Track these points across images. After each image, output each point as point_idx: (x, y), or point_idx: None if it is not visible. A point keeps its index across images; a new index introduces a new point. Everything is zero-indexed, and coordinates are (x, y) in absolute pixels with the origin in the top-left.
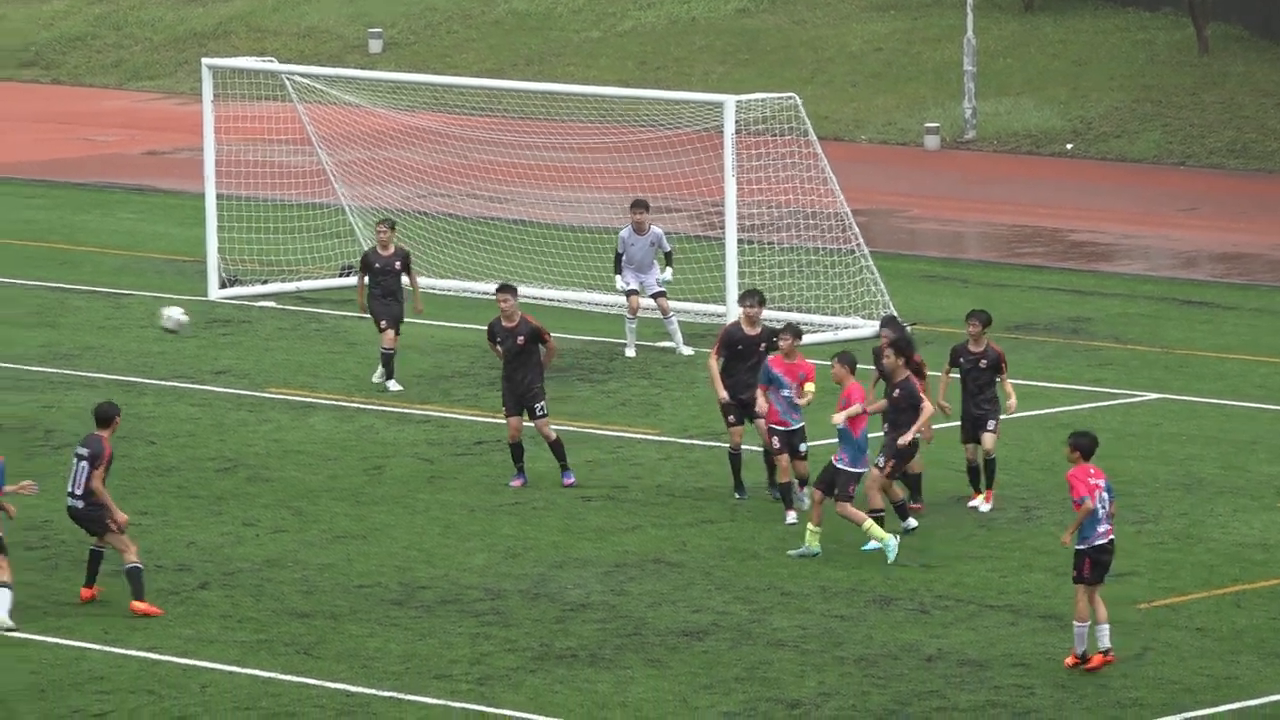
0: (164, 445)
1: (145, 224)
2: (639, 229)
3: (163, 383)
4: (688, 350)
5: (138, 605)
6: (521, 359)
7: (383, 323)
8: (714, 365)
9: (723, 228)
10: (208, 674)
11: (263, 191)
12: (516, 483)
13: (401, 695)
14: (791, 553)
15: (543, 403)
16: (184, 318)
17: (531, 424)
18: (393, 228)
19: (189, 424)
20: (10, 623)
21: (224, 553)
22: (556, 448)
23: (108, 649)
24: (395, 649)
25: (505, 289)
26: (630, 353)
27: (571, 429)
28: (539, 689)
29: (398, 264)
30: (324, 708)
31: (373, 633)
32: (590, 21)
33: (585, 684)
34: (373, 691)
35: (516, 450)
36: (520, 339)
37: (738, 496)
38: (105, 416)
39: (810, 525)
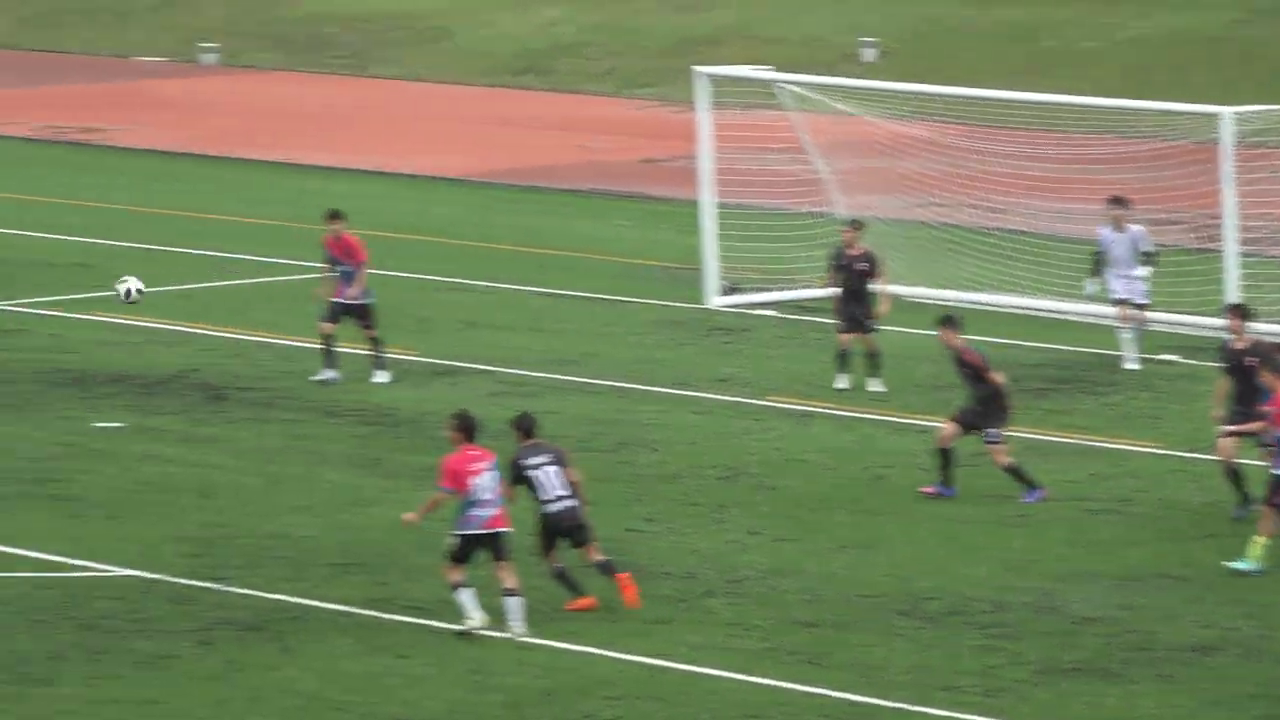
0: (666, 453)
1: (642, 231)
2: (1118, 226)
3: (664, 390)
4: (1134, 366)
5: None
6: (974, 387)
7: (841, 323)
8: (1219, 382)
9: (1221, 241)
10: (714, 681)
11: (759, 200)
12: (929, 489)
13: (908, 706)
14: (1230, 564)
15: (994, 430)
16: (139, 284)
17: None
18: (859, 228)
19: (690, 431)
20: (523, 628)
21: (728, 560)
22: (1011, 473)
23: (615, 655)
24: (901, 659)
25: (942, 322)
26: (1130, 365)
27: (1074, 441)
28: (1047, 702)
29: (863, 265)
30: (830, 717)
31: (878, 643)
32: (1085, 32)
33: (1094, 698)
34: (879, 701)
35: (943, 457)
36: (966, 370)
37: (1236, 513)
38: (532, 424)
39: (1257, 536)
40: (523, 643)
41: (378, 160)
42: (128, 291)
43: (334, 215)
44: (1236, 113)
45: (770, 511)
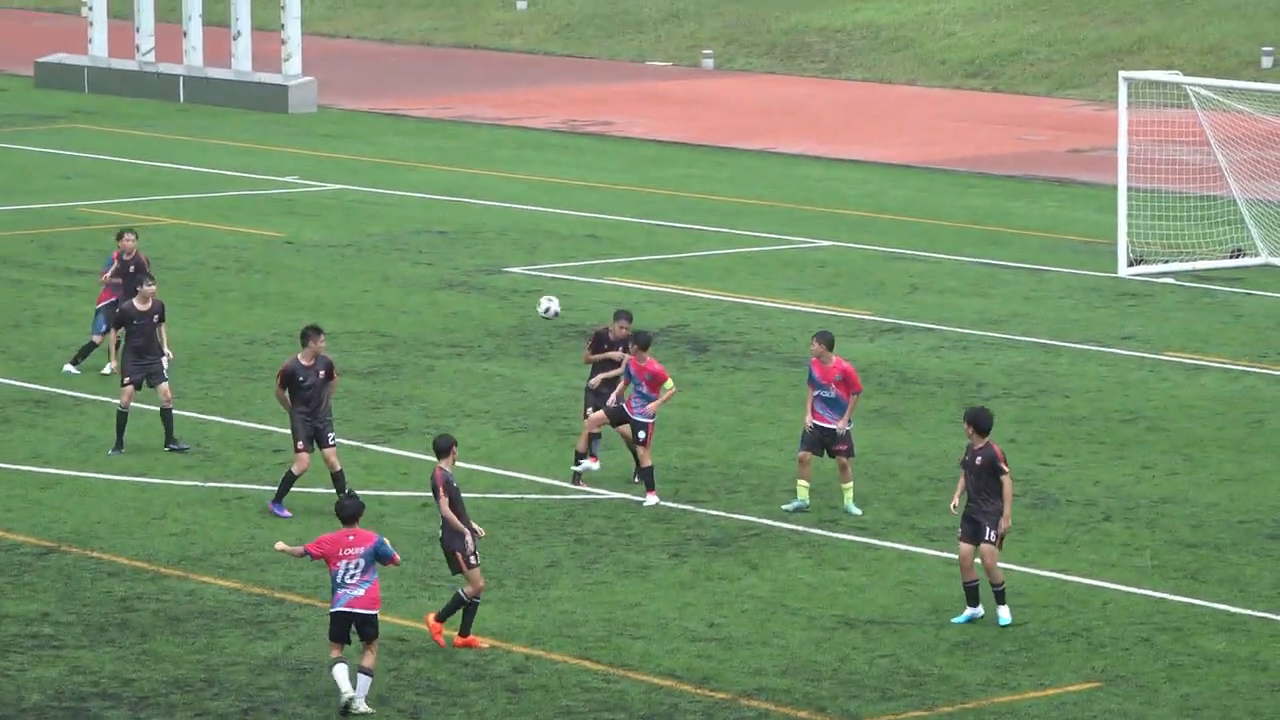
0: (1076, 399)
1: (1065, 211)
2: None
3: (1077, 346)
4: None
5: (430, 621)
6: None
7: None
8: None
9: None
10: (1108, 593)
11: (1165, 185)
12: None
13: (1273, 615)
14: None
15: None
16: (555, 305)
17: None
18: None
19: (1098, 381)
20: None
21: (1125, 490)
22: None
23: (1024, 569)
24: (1269, 576)
25: None
26: None
27: None
28: None
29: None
30: (1206, 624)
31: (1249, 562)
32: None
33: None
34: (1248, 612)
35: None
36: None
37: None
38: (442, 448)
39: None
40: (951, 558)
41: (847, 150)
42: (547, 309)
43: None
44: None
45: (1163, 449)
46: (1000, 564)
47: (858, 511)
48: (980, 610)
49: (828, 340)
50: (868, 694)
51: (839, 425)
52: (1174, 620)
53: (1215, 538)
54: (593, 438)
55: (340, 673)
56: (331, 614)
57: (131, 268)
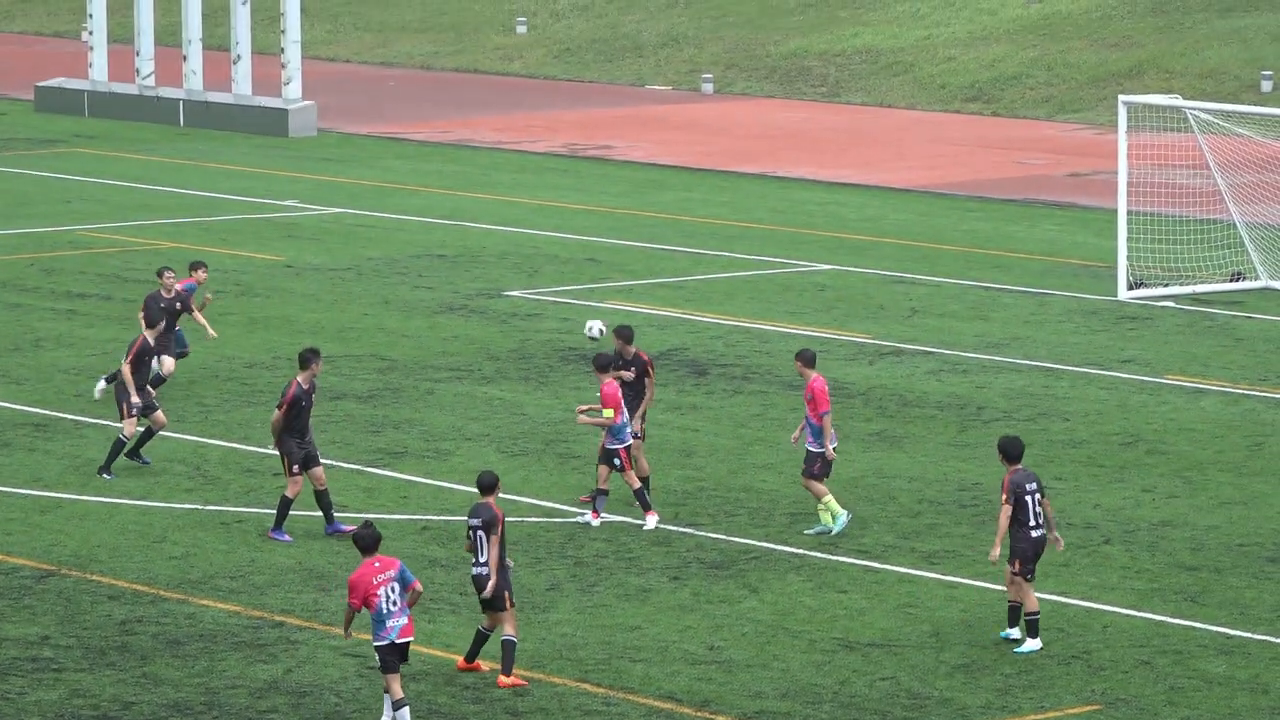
0: (1076, 422)
1: (1065, 234)
2: None
3: (1077, 369)
4: None
5: (503, 679)
6: None
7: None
8: None
9: None
10: (1108, 616)
11: (1165, 209)
12: None
13: (1273, 638)
14: None
15: None
16: (602, 325)
17: None
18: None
19: (1098, 404)
20: None
21: (1125, 514)
22: None
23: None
24: (1269, 599)
25: None
26: None
27: None
28: None
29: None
30: (1206, 647)
31: (1249, 584)
32: None
33: None
34: (1248, 635)
35: None
36: None
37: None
38: (488, 485)
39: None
40: (952, 581)
41: (846, 174)
42: (600, 332)
43: None
44: None
45: (1163, 472)
46: (999, 585)
47: (835, 527)
48: (1015, 633)
49: (804, 359)
50: (868, 717)
51: (827, 451)
52: (1174, 643)
53: (1215, 560)
54: (601, 493)
55: (406, 717)
56: (381, 648)
57: (178, 304)
